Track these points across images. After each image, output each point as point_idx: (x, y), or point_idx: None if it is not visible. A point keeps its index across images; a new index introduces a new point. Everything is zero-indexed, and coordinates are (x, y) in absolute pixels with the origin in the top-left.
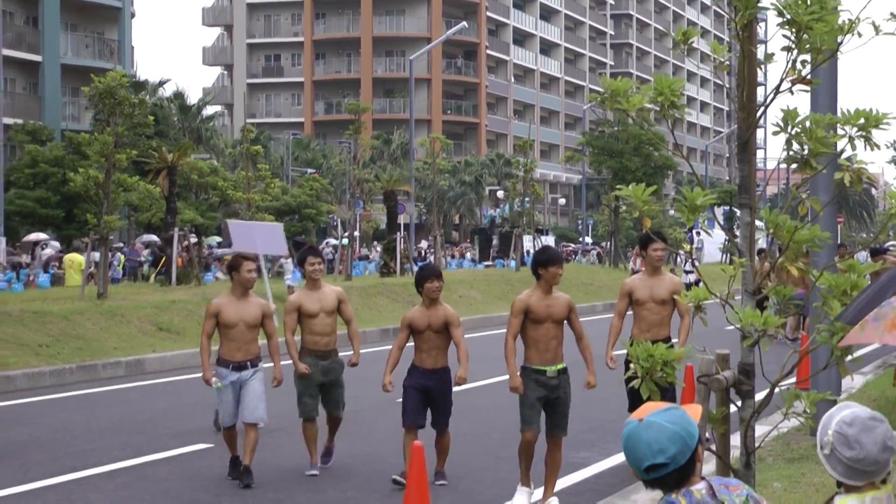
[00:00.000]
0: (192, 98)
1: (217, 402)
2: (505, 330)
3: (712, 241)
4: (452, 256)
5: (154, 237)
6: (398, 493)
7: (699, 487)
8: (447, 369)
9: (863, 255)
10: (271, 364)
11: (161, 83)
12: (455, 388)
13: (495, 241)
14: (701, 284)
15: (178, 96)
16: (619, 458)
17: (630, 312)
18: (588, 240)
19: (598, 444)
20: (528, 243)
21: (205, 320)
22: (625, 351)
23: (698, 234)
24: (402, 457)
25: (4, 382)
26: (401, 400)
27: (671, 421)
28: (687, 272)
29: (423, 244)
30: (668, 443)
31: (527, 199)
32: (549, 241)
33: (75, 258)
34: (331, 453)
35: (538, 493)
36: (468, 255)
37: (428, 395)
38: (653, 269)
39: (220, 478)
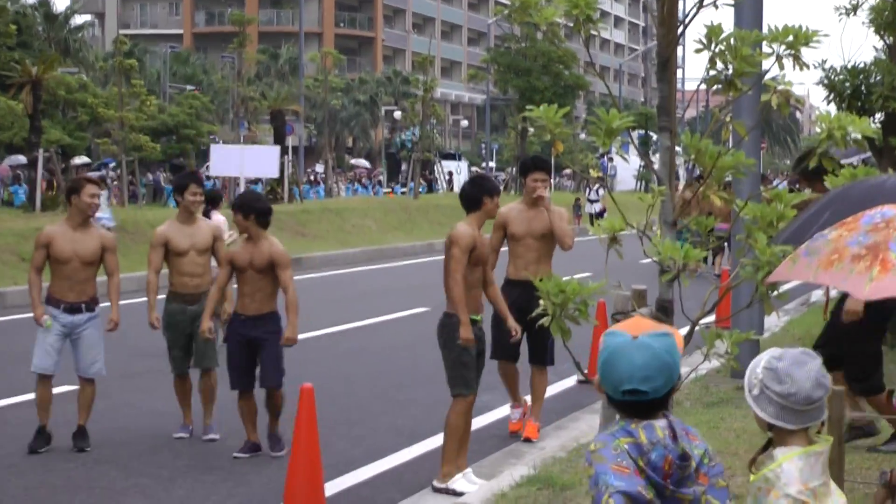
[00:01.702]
0: (59, 6)
1: (35, 345)
2: (399, 262)
3: (627, 168)
4: (349, 182)
5: (21, 158)
6: (284, 437)
7: (661, 425)
8: (275, 315)
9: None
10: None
11: None
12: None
13: (404, 167)
14: (606, 216)
15: (44, 4)
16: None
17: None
18: (492, 165)
19: (500, 388)
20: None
21: (34, 251)
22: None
23: (611, 160)
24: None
25: None
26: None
27: (666, 350)
28: (591, 201)
29: (319, 168)
30: (657, 373)
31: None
32: (464, 167)
33: None
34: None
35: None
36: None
37: (253, 348)
38: (532, 201)
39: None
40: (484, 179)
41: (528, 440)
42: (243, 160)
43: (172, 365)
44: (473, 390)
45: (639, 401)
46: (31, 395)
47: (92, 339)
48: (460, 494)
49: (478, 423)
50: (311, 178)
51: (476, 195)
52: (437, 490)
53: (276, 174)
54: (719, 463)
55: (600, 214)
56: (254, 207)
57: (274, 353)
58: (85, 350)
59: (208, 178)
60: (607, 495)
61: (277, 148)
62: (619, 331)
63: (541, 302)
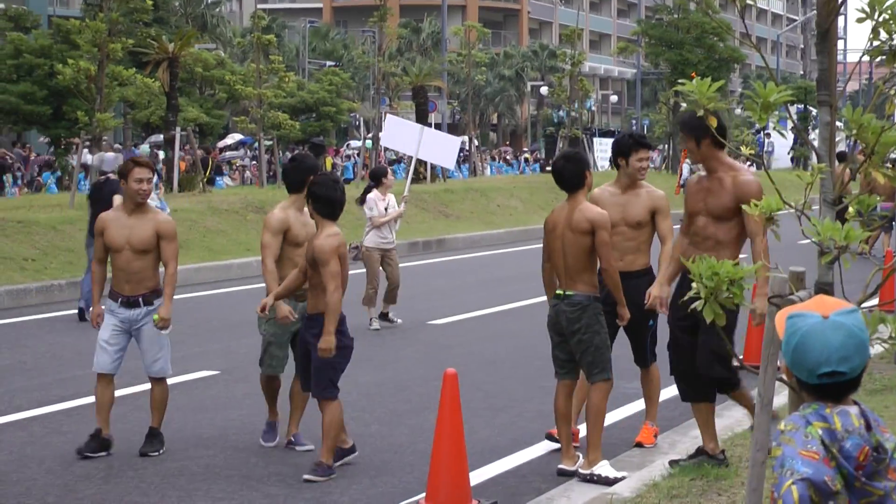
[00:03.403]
0: None
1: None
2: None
3: (784, 144)
4: (493, 159)
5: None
6: (426, 424)
7: (855, 412)
8: (322, 320)
9: None
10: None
11: None
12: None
13: (561, 146)
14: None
15: None
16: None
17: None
18: None
19: None
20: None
21: (95, 240)
22: None
23: (768, 135)
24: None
25: None
26: None
27: (859, 327)
28: None
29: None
30: (854, 352)
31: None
32: None
33: None
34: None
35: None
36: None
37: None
38: (628, 184)
39: (228, 408)
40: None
41: (639, 445)
42: (422, 141)
43: (268, 362)
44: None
45: (835, 382)
46: (173, 379)
47: (152, 335)
48: (608, 480)
49: (630, 409)
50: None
51: (581, 171)
52: (583, 478)
53: (452, 166)
54: None
55: None
56: (312, 192)
57: (318, 360)
58: (146, 347)
59: (348, 157)
60: (790, 481)
61: (459, 140)
62: (807, 311)
63: (693, 285)
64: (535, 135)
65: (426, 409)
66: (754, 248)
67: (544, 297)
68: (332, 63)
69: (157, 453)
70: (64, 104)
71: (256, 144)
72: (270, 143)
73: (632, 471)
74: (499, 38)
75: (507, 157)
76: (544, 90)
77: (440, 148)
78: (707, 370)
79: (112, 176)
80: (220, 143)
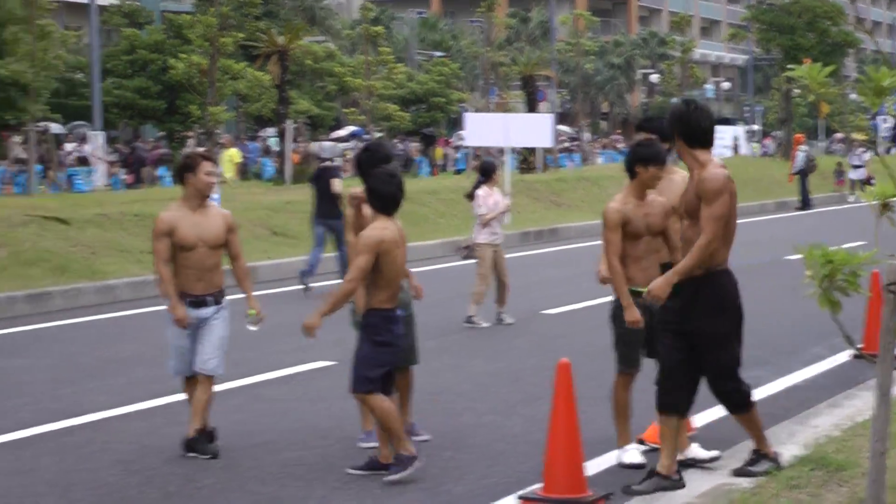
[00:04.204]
0: None
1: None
2: None
3: None
4: (604, 148)
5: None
6: (540, 414)
7: None
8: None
9: None
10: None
11: None
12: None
13: None
14: (874, 183)
15: None
16: (796, 377)
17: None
18: (755, 128)
19: (772, 362)
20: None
21: (154, 242)
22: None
23: (885, 120)
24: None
25: (105, 292)
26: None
27: None
28: (855, 167)
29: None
30: None
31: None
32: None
33: (234, 154)
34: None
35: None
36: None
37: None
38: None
39: (344, 398)
40: (639, 146)
41: (641, 442)
42: (508, 129)
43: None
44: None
45: None
46: (288, 370)
47: (216, 332)
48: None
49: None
50: (566, 145)
51: (628, 163)
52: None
53: (550, 144)
54: None
55: (866, 182)
56: (366, 184)
57: (355, 354)
58: (205, 342)
59: (457, 147)
60: None
61: (550, 116)
62: None
63: (807, 272)
64: None
65: (539, 399)
66: (699, 242)
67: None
68: (441, 54)
69: (208, 456)
70: (177, 98)
71: (367, 136)
72: (381, 133)
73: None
74: (608, 26)
75: (619, 146)
76: (655, 78)
77: (531, 130)
78: (719, 386)
79: (333, 162)
80: (332, 135)
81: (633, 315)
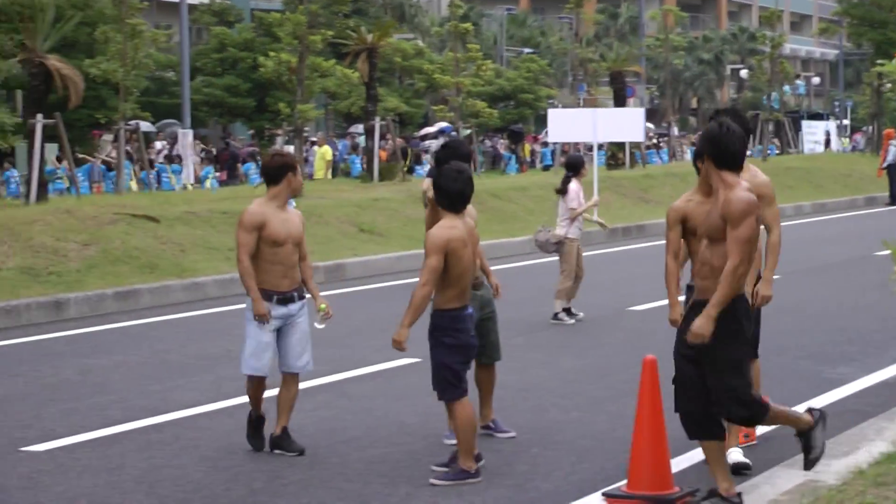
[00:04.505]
0: None
1: (245, 344)
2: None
3: None
4: (692, 144)
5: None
6: (627, 411)
7: None
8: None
9: None
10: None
11: None
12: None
13: (771, 129)
14: None
15: None
16: (884, 374)
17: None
18: (846, 123)
19: (859, 359)
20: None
21: (242, 233)
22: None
23: None
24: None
25: (194, 290)
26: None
27: None
28: None
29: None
30: None
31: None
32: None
33: (326, 151)
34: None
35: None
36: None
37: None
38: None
39: (429, 395)
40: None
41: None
42: (596, 124)
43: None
44: None
45: None
46: (375, 367)
47: (303, 329)
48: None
49: (834, 396)
50: (654, 141)
51: (693, 158)
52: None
53: (641, 138)
54: None
55: None
56: (434, 181)
57: (432, 360)
58: (295, 342)
59: (545, 143)
60: None
61: (641, 110)
62: None
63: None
64: None
65: (626, 396)
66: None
67: None
68: (530, 50)
69: (293, 454)
70: (266, 96)
71: (455, 133)
72: (469, 130)
73: (838, 458)
74: (697, 21)
75: None
76: (744, 73)
77: (622, 124)
78: (726, 413)
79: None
80: (422, 132)
81: (673, 314)
